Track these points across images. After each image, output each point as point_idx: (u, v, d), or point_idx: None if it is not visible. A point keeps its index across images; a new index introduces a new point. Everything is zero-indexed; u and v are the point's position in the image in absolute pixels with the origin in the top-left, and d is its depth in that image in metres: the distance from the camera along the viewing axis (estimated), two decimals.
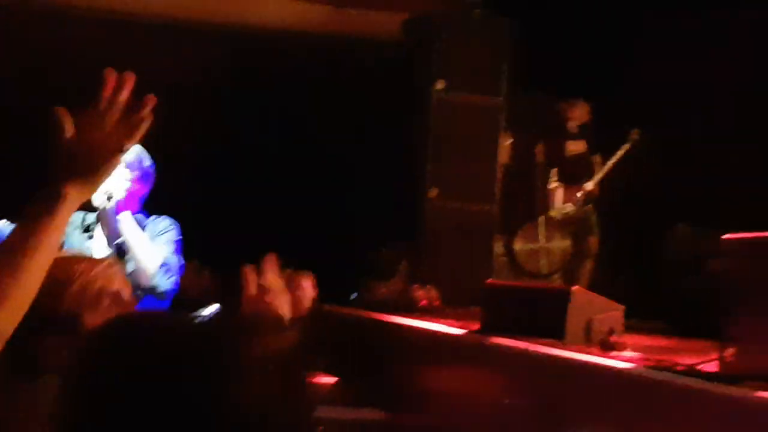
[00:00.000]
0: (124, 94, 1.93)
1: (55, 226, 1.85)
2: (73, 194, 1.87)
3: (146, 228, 4.59)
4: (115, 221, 4.45)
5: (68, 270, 2.21)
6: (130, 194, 4.51)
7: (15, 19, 9.01)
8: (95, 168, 1.90)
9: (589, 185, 9.27)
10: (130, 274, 4.30)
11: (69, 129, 1.90)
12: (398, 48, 9.56)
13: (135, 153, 4.49)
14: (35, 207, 1.86)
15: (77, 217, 4.44)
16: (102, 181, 1.92)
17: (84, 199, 1.92)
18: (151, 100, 1.97)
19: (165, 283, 4.53)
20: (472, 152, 9.14)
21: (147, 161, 4.58)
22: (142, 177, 4.55)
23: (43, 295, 1.85)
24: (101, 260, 2.28)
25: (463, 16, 9.36)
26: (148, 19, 9.48)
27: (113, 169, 1.92)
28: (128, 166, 4.50)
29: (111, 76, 1.94)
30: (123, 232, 4.47)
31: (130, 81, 1.94)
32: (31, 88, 8.66)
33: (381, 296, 8.60)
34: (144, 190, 4.58)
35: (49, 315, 2.11)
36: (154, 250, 4.46)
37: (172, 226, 4.65)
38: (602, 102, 9.26)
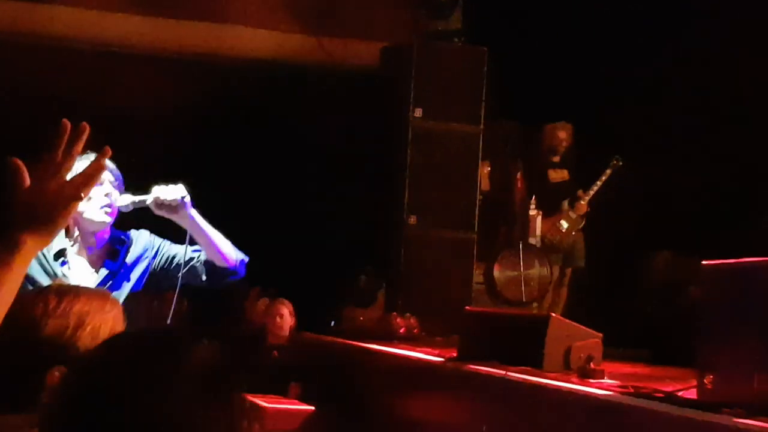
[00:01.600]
0: (80, 145, 1.93)
1: (11, 276, 1.86)
2: (30, 243, 1.88)
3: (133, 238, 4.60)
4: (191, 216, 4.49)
5: (81, 311, 2.18)
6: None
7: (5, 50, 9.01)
8: (52, 216, 1.91)
9: (576, 212, 9.29)
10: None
11: (25, 179, 1.92)
12: (376, 76, 9.58)
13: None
14: None
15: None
16: (59, 229, 1.94)
17: (41, 248, 1.93)
18: (107, 151, 1.99)
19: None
20: (451, 180, 9.15)
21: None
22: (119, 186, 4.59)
23: (53, 333, 1.86)
24: (108, 298, 2.25)
25: (441, 45, 9.39)
26: (128, 50, 9.49)
27: (69, 217, 1.92)
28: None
29: (67, 127, 1.97)
30: (201, 224, 4.50)
31: (84, 132, 1.97)
32: (16, 119, 8.66)
33: (359, 324, 8.58)
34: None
35: (57, 353, 2.10)
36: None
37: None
38: (582, 129, 9.30)
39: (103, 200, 4.39)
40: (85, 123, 1.97)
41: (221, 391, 1.49)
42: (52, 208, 1.90)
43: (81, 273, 4.43)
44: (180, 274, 4.45)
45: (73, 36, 9.39)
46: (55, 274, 4.29)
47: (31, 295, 2.08)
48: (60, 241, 4.36)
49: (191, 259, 4.53)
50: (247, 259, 4.53)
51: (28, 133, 4.58)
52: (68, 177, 1.94)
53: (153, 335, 1.54)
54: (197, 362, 1.48)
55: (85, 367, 1.43)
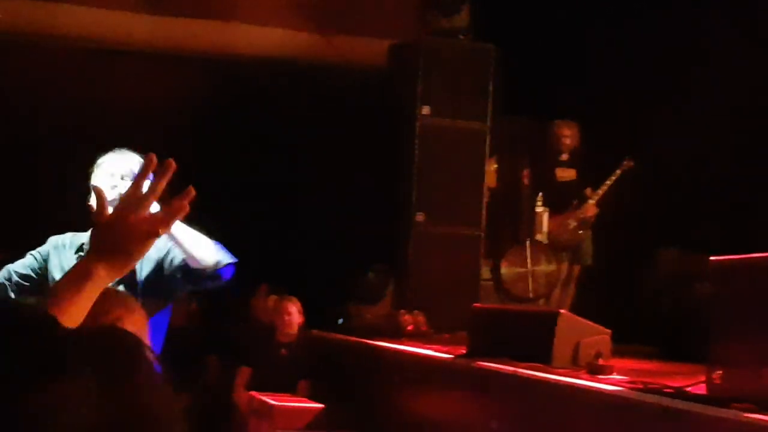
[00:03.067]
0: (165, 181, 1.94)
1: (80, 302, 1.90)
2: (103, 273, 1.92)
3: None
4: None
5: (117, 316, 2.21)
6: None
7: (6, 51, 9.02)
8: (128, 249, 1.93)
9: (585, 211, 9.28)
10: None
11: (106, 208, 1.96)
12: (384, 74, 9.59)
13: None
14: (66, 280, 1.93)
15: (67, 238, 4.41)
16: (134, 262, 1.96)
17: (114, 279, 1.96)
18: (191, 193, 1.98)
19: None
20: (459, 177, 9.16)
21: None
22: None
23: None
24: (136, 305, 2.28)
25: (449, 42, 9.40)
26: (135, 48, 9.51)
27: (145, 252, 1.94)
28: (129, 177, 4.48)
29: (153, 161, 1.96)
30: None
31: (170, 168, 1.96)
32: (23, 120, 8.69)
33: (367, 321, 8.59)
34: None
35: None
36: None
37: None
38: (590, 127, 9.29)
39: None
40: (171, 160, 1.96)
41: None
42: (128, 240, 1.92)
43: None
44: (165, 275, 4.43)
45: (79, 35, 9.39)
46: None
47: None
48: (81, 236, 4.36)
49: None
50: (234, 262, 4.46)
51: (36, 131, 4.60)
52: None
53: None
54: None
55: None
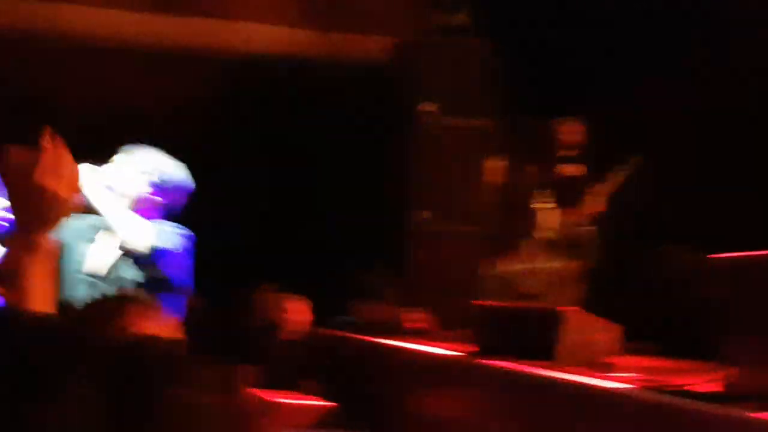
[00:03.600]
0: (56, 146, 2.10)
1: (40, 270, 2.00)
2: (44, 242, 2.03)
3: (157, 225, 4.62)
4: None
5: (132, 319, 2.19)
6: (145, 200, 4.61)
7: (11, 49, 9.01)
8: (53, 215, 2.05)
9: (591, 208, 9.26)
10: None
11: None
12: (386, 71, 9.56)
13: (157, 164, 4.61)
14: (14, 263, 2.01)
15: (84, 222, 4.56)
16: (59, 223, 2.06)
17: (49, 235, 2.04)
18: (47, 131, 2.17)
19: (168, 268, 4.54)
20: (462, 174, 9.14)
21: (172, 174, 4.65)
22: (164, 189, 4.64)
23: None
24: (152, 306, 2.26)
25: (451, 39, 9.37)
26: (136, 47, 9.49)
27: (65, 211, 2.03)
28: (144, 173, 4.61)
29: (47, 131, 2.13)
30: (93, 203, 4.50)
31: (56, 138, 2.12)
32: (32, 120, 8.65)
33: (370, 319, 8.58)
34: (166, 200, 4.66)
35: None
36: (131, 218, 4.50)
37: (186, 233, 4.70)
38: (597, 123, 9.26)
39: None
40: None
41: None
42: (48, 206, 2.04)
43: (100, 252, 4.55)
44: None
45: (78, 34, 9.38)
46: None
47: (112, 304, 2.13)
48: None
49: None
50: (160, 248, 4.49)
51: (33, 128, 4.61)
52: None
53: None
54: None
55: None
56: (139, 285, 4.49)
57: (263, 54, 9.71)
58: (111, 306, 2.14)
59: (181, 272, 4.56)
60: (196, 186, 4.78)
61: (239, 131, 9.44)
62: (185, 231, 4.66)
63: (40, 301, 1.96)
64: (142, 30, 9.54)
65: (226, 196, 8.93)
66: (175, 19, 9.66)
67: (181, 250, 4.58)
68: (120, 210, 4.47)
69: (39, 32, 9.23)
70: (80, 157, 4.36)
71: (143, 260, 4.48)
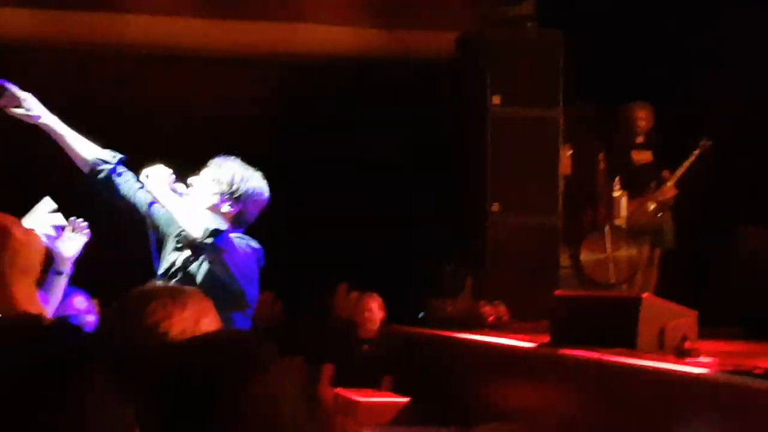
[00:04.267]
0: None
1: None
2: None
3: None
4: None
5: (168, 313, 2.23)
6: (216, 210, 4.64)
7: (72, 60, 9.15)
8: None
9: (664, 194, 9.19)
10: None
11: None
12: (451, 66, 9.56)
13: (231, 173, 4.63)
14: None
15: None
16: None
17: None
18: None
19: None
20: (532, 165, 9.11)
21: (247, 184, 4.66)
22: (237, 199, 4.65)
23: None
24: (190, 298, 2.26)
25: (515, 30, 9.35)
26: (200, 54, 9.59)
27: None
28: (217, 183, 4.60)
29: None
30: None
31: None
32: (95, 127, 8.80)
33: (448, 314, 8.58)
34: (236, 210, 4.67)
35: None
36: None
37: (256, 245, 4.71)
38: (665, 108, 9.18)
39: None
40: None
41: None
42: None
43: None
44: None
45: (144, 43, 9.49)
46: None
47: (143, 298, 2.13)
48: None
49: None
50: (223, 230, 4.53)
51: (107, 139, 4.69)
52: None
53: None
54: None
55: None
56: (206, 286, 4.47)
57: (327, 56, 9.76)
58: (158, 297, 2.13)
59: (245, 272, 4.53)
60: (270, 186, 4.77)
61: (308, 133, 9.50)
62: (254, 243, 4.63)
63: (23, 300, 2.01)
64: (206, 37, 9.63)
65: (301, 197, 9.01)
66: (239, 24, 9.74)
67: (248, 251, 4.58)
68: (182, 202, 4.49)
69: (106, 43, 9.36)
70: (147, 163, 4.50)
71: (207, 249, 4.47)
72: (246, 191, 4.66)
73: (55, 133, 4.63)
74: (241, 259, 4.50)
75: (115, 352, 2.13)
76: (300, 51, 9.79)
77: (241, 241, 4.58)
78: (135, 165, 4.70)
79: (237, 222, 4.67)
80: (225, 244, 4.46)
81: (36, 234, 2.14)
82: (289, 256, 8.05)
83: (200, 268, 4.58)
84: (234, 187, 4.65)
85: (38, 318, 1.76)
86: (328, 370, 8.19)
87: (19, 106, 4.53)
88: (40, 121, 4.57)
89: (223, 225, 4.53)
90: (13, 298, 2.03)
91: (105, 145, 4.72)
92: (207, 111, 8.92)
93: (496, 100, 9.07)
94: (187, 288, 2.25)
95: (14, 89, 4.53)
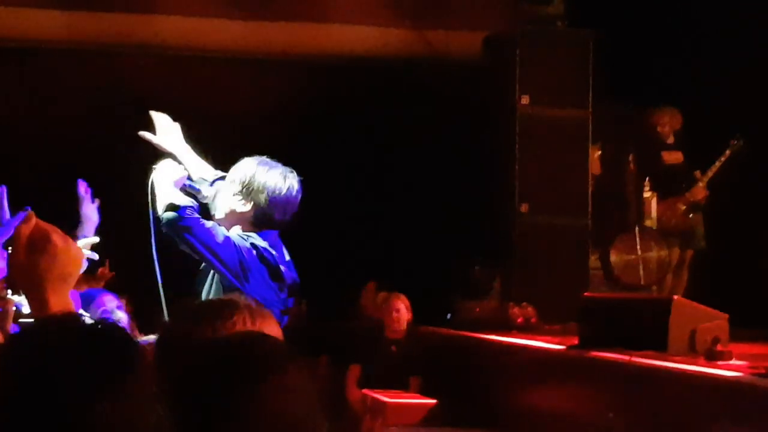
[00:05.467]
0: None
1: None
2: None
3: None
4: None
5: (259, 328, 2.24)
6: (233, 213, 4.45)
7: (101, 60, 9.19)
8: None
9: (695, 194, 9.12)
10: None
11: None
12: (480, 66, 9.53)
13: (244, 170, 4.44)
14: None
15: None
16: None
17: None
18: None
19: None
20: (562, 165, 9.06)
21: (258, 179, 4.47)
22: (247, 195, 4.44)
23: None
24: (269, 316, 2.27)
25: (545, 30, 9.30)
26: (231, 55, 9.61)
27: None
28: (232, 182, 4.43)
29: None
30: None
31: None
32: (125, 127, 8.83)
33: (476, 315, 8.55)
34: (250, 209, 4.46)
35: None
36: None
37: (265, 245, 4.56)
38: (695, 108, 9.11)
39: None
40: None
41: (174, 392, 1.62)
42: None
43: None
44: None
45: (176, 44, 9.52)
46: None
47: (226, 309, 2.15)
48: None
49: None
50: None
51: (136, 139, 4.65)
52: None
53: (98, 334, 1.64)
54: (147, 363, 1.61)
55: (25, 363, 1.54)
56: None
57: (357, 56, 9.76)
58: (218, 308, 2.17)
59: (221, 255, 4.34)
60: (301, 186, 4.59)
61: (337, 133, 9.49)
62: (263, 243, 4.44)
63: (56, 306, 2.02)
64: (237, 38, 9.65)
65: (328, 196, 9.00)
66: (270, 25, 9.76)
67: (232, 240, 4.38)
68: (172, 197, 4.33)
69: (136, 44, 9.39)
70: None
71: (166, 227, 4.26)
72: (258, 187, 4.36)
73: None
74: (211, 240, 4.20)
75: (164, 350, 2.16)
76: (328, 51, 9.80)
77: (243, 240, 4.35)
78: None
79: (259, 223, 4.39)
80: (185, 221, 4.20)
81: (75, 244, 2.14)
82: (316, 255, 8.04)
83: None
84: (245, 184, 4.44)
85: (82, 318, 1.79)
86: (355, 370, 8.17)
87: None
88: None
89: (244, 225, 4.37)
90: (48, 303, 2.02)
91: (133, 145, 4.67)
92: (236, 111, 8.93)
93: (524, 100, 9.02)
94: (265, 309, 2.23)
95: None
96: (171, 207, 4.17)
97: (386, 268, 8.81)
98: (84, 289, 4.31)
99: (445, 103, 9.40)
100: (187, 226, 4.17)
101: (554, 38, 9.24)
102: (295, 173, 4.51)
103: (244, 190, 4.38)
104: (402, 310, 8.19)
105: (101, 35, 9.35)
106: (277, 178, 4.40)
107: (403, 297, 8.25)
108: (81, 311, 3.34)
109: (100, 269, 5.87)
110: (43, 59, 9.07)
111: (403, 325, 8.19)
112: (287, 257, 4.47)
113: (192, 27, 9.60)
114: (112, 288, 5.40)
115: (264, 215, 4.37)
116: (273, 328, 2.06)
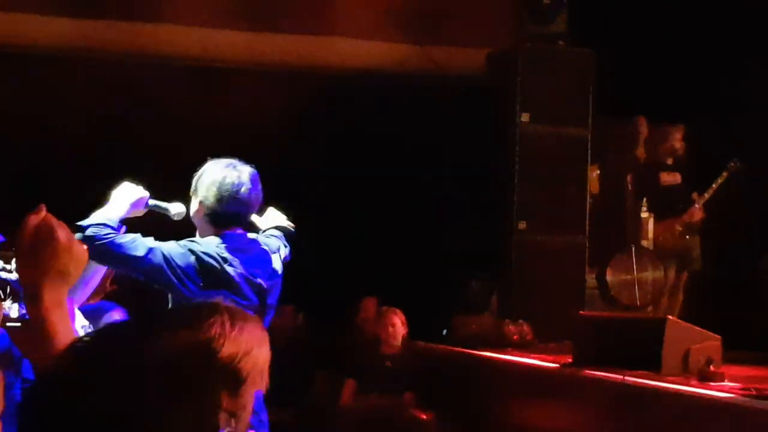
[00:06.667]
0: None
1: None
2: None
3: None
4: None
5: (249, 338, 2.22)
6: (198, 214, 4.42)
7: (110, 68, 9.21)
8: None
9: (692, 216, 9.13)
10: None
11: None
12: (482, 83, 9.55)
13: (200, 171, 4.38)
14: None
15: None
16: None
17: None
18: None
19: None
20: (560, 183, 9.07)
21: (204, 176, 4.40)
22: (194, 192, 4.40)
23: (228, 357, 1.96)
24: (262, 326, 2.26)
25: (547, 48, 9.32)
26: (234, 65, 9.64)
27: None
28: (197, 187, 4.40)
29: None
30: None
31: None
32: (126, 134, 8.86)
33: (472, 332, 8.56)
34: (201, 207, 4.38)
35: (228, 377, 2.18)
36: None
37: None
38: (694, 129, 9.14)
39: None
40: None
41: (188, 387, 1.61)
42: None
43: None
44: None
45: (183, 54, 9.55)
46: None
47: (204, 311, 2.12)
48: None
49: None
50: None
51: (143, 147, 4.65)
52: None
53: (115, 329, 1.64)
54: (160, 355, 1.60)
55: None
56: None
57: (360, 69, 9.78)
58: (195, 311, 2.12)
59: (137, 266, 4.27)
60: (297, 198, 4.54)
61: (336, 146, 9.51)
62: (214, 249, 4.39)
63: (50, 302, 2.04)
64: (240, 48, 9.68)
65: (327, 209, 9.02)
66: (272, 36, 9.79)
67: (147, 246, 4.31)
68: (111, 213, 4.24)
69: (145, 53, 9.42)
70: (184, 173, 4.45)
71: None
72: (202, 183, 4.31)
73: None
74: (127, 254, 4.12)
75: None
76: (332, 65, 9.83)
77: (179, 247, 4.27)
78: (172, 172, 4.61)
79: (216, 221, 4.32)
80: (95, 238, 4.08)
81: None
82: (313, 269, 8.06)
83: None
84: (195, 182, 4.37)
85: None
86: (350, 384, 8.18)
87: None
88: None
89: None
90: (41, 297, 2.04)
91: (140, 153, 4.67)
92: (240, 121, 8.95)
93: (525, 117, 9.04)
94: (249, 314, 2.21)
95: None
96: (76, 228, 4.02)
97: (383, 283, 8.82)
98: (96, 301, 4.27)
99: (446, 118, 9.43)
100: (99, 245, 4.08)
101: (556, 57, 9.27)
102: (248, 166, 4.38)
103: (193, 189, 4.33)
104: (398, 325, 8.19)
105: (109, 44, 9.37)
106: (223, 171, 4.29)
107: (398, 312, 8.25)
108: (85, 323, 3.32)
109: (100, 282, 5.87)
110: (48, 65, 9.10)
111: (398, 340, 8.20)
112: (277, 262, 4.44)
113: (199, 37, 9.63)
114: (114, 301, 5.41)
115: (216, 213, 4.29)
116: (256, 331, 2.05)
